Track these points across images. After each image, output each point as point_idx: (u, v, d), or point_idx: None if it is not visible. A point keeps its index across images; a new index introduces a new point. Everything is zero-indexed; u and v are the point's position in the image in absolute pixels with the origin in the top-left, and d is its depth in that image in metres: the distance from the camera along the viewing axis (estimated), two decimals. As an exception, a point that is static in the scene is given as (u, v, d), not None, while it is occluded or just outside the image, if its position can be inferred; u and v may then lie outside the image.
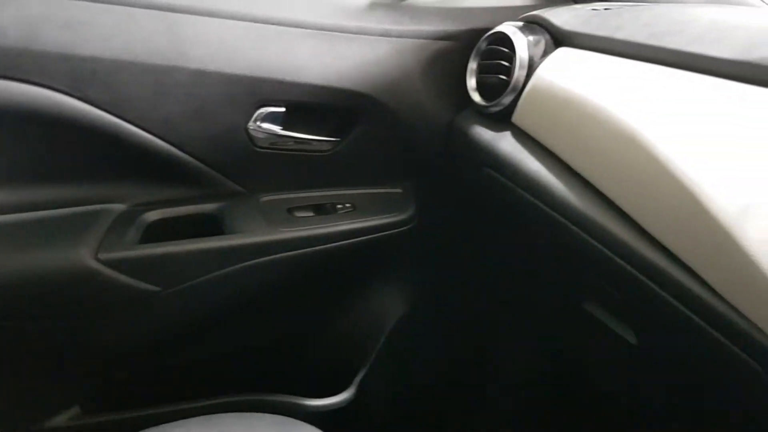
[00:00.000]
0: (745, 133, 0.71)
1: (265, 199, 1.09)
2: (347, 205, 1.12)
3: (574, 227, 0.88)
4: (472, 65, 1.10)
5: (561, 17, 1.04)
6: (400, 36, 1.07)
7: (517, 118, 1.02)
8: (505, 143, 1.02)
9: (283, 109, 1.03)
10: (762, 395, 0.66)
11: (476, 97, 1.09)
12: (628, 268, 0.80)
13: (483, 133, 1.07)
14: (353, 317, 1.21)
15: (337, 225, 1.08)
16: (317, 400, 1.16)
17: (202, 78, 0.95)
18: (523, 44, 1.02)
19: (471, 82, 1.10)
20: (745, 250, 0.64)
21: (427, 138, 1.14)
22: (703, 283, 0.71)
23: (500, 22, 1.09)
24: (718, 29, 0.84)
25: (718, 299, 0.69)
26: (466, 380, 1.24)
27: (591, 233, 0.86)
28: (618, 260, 0.82)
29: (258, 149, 1.05)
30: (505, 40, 1.04)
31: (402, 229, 1.13)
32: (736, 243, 0.65)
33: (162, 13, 0.94)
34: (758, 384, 0.66)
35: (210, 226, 1.04)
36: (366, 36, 1.05)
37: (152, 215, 1.02)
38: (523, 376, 1.14)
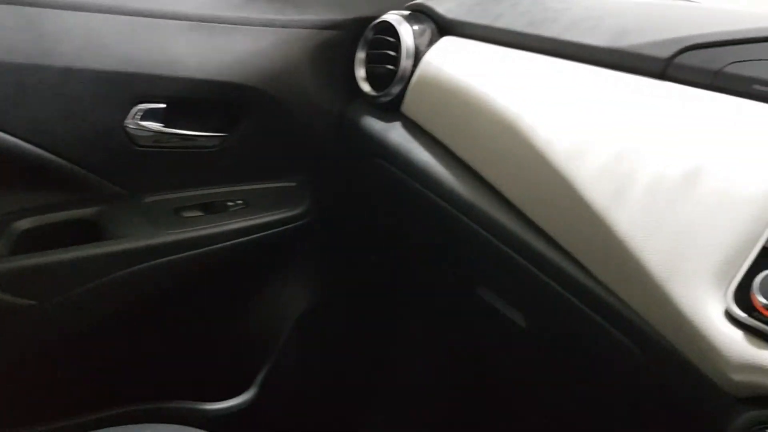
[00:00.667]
0: (618, 121, 0.73)
1: (149, 200, 1.04)
2: (238, 202, 1.09)
3: (462, 216, 0.89)
4: (360, 55, 1.09)
5: (445, 5, 1.04)
6: (284, 26, 1.04)
7: (406, 107, 1.02)
8: (395, 133, 1.02)
9: (163, 106, 0.99)
10: (640, 376, 0.69)
11: (365, 87, 1.08)
12: (513, 254, 0.81)
13: (373, 124, 1.06)
14: (252, 317, 1.18)
15: (228, 223, 1.04)
16: (217, 403, 1.13)
17: (69, 76, 0.89)
18: (408, 34, 1.01)
19: (360, 72, 1.09)
20: (616, 235, 0.66)
21: (319, 129, 1.12)
22: (582, 268, 0.73)
23: (386, 11, 1.08)
24: (593, 16, 0.86)
25: (595, 283, 0.71)
26: (370, 373, 1.24)
27: (478, 222, 0.87)
28: (504, 247, 0.83)
29: (139, 148, 0.99)
30: (391, 29, 1.04)
31: (297, 223, 1.11)
32: (609, 228, 0.67)
33: (21, 8, 0.87)
34: (636, 365, 0.68)
35: (89, 231, 0.98)
36: (248, 27, 1.02)
37: (23, 224, 0.95)
38: (424, 365, 1.15)
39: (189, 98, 1.00)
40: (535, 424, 0.97)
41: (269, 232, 1.07)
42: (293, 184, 1.14)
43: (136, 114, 0.97)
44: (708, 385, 0.60)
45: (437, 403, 1.13)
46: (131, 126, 0.98)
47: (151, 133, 0.99)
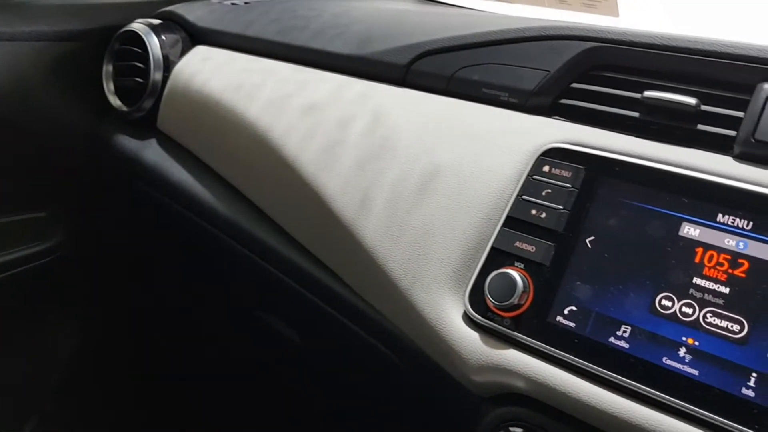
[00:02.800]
0: (362, 130, 0.71)
1: None
2: (-30, 240, 0.95)
3: (224, 236, 0.84)
4: (108, 68, 0.99)
5: (196, 13, 0.98)
6: (11, 39, 0.92)
7: (161, 123, 0.95)
8: (151, 152, 0.95)
9: None
10: (399, 381, 0.69)
11: (116, 102, 0.99)
12: (277, 272, 0.78)
13: (128, 143, 0.97)
14: (10, 366, 1.03)
15: None
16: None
17: None
18: (156, 44, 0.94)
19: (108, 86, 0.99)
20: (363, 246, 0.65)
21: (68, 152, 1.01)
22: (340, 280, 0.71)
23: (134, 19, 1.00)
24: (340, 24, 0.85)
25: (353, 294, 0.70)
26: (159, 410, 1.15)
27: (241, 241, 0.82)
28: (267, 266, 0.79)
29: None
30: (138, 39, 0.96)
31: (48, 258, 0.99)
32: (357, 239, 0.66)
33: None
34: (395, 371, 0.68)
35: None
36: None
37: None
38: (213, 389, 1.08)
39: None
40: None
41: (12, 272, 0.95)
42: (42, 214, 1.01)
43: None
44: (456, 387, 0.60)
45: (232, 423, 1.07)
46: None
47: None
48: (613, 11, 0.95)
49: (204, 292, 0.98)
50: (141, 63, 0.95)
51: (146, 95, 0.94)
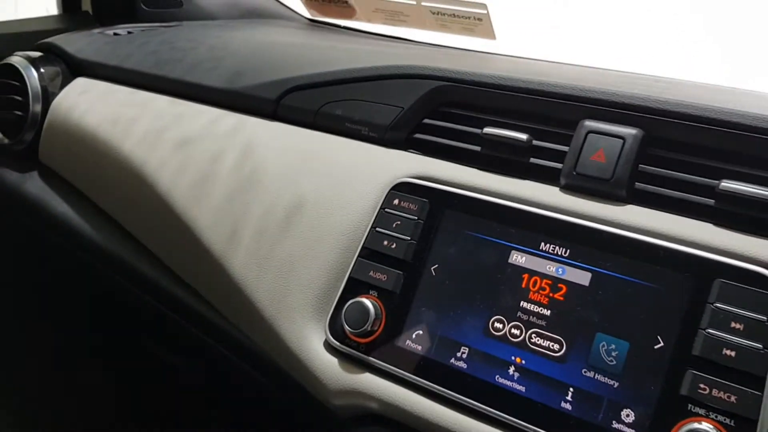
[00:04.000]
0: (233, 163, 0.74)
1: None
2: None
3: (104, 268, 0.85)
4: (-13, 101, 0.98)
5: (75, 44, 0.98)
6: None
7: (43, 155, 0.94)
8: (32, 185, 0.94)
9: None
10: (271, 405, 0.72)
11: (-4, 135, 0.98)
12: (154, 302, 0.80)
13: (8, 175, 0.96)
14: None
15: None
16: None
17: None
18: (34, 77, 0.94)
19: (-11, 119, 0.98)
20: (233, 277, 0.68)
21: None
22: (215, 310, 0.74)
23: (14, 51, 0.99)
24: (214, 57, 0.87)
25: (227, 323, 0.72)
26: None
27: (122, 273, 0.83)
28: (147, 297, 0.81)
29: None
30: (17, 72, 0.95)
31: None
32: (227, 270, 0.68)
33: None
34: (267, 395, 0.71)
35: None
36: None
37: None
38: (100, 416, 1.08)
39: None
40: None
41: None
42: None
43: None
44: (321, 410, 0.64)
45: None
46: None
47: None
48: (490, 34, 1.00)
49: (91, 323, 0.98)
50: (20, 96, 0.94)
51: (26, 128, 0.94)
